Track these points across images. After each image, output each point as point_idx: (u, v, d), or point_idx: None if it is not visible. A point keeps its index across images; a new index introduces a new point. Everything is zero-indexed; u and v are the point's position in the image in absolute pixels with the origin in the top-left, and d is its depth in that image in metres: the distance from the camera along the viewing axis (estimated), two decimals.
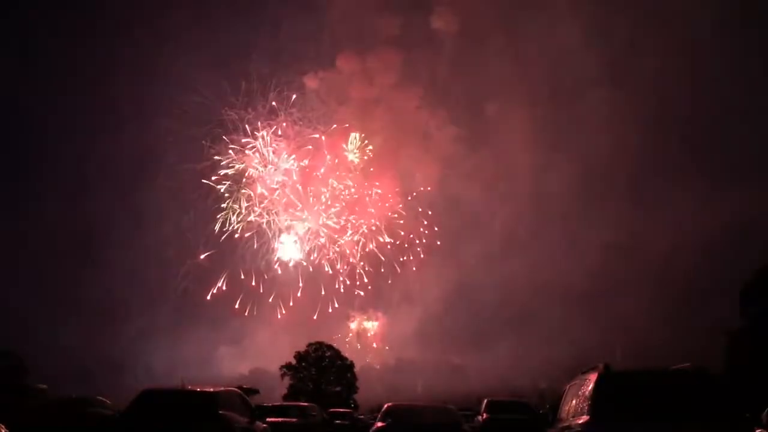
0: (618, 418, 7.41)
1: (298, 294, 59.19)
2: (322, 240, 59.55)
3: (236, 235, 57.47)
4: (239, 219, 57.38)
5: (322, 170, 59.48)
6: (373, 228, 59.69)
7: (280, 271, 59.07)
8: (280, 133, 58.06)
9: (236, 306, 58.60)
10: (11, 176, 59.46)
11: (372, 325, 65.70)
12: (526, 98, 62.05)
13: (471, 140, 63.62)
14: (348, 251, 59.38)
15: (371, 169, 60.80)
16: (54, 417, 17.29)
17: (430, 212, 61.88)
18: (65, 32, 60.54)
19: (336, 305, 60.58)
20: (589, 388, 8.00)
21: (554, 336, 57.19)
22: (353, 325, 65.36)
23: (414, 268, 61.73)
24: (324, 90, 60.81)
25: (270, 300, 59.03)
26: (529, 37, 61.47)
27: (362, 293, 60.82)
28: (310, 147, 58.72)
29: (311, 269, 59.35)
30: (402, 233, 60.45)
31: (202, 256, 57.14)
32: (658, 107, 57.46)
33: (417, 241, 61.17)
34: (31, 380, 27.34)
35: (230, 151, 56.90)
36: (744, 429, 7.78)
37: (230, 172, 56.75)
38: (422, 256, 61.49)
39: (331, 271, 59.52)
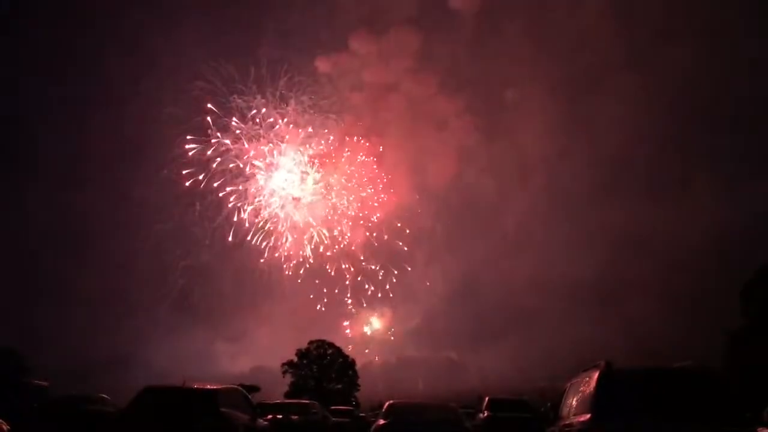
0: (619, 416, 7.39)
1: (300, 290, 59.17)
2: (328, 233, 59.01)
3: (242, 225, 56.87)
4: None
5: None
6: (379, 223, 59.12)
7: (283, 268, 58.75)
8: (289, 121, 56.66)
9: (238, 303, 58.58)
10: (8, 171, 59.07)
11: (377, 322, 65.28)
12: (547, 84, 61.05)
13: (488, 130, 62.59)
14: (354, 245, 58.90)
15: (383, 160, 59.71)
16: (56, 414, 17.32)
17: (441, 206, 61.01)
18: (61, 15, 59.78)
19: (339, 301, 60.49)
20: (591, 385, 7.99)
21: (556, 333, 57.16)
22: (366, 328, 64.93)
23: (420, 267, 61.20)
24: (336, 74, 59.14)
25: (272, 296, 59.00)
26: (551, 19, 60.62)
27: (364, 287, 60.25)
28: (318, 141, 58.04)
29: (314, 264, 58.90)
30: (408, 231, 59.90)
31: (205, 252, 56.76)
32: (680, 95, 56.41)
33: (425, 237, 60.52)
34: (31, 378, 27.33)
35: (238, 140, 55.77)
36: (746, 427, 7.76)
37: (236, 162, 55.85)
38: (430, 252, 60.84)
39: (335, 266, 59.07)
